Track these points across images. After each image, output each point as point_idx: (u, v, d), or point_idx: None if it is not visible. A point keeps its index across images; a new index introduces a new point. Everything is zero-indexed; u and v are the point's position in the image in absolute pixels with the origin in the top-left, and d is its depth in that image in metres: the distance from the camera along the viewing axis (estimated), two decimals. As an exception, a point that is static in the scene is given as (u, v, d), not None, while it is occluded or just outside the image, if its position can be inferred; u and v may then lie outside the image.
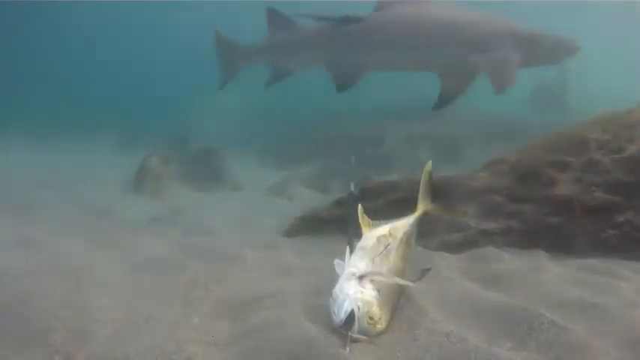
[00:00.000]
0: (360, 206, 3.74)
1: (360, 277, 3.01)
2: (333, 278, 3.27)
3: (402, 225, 3.68)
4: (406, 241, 3.53)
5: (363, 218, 3.74)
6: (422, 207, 4.01)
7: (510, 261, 4.71)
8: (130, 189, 10.62)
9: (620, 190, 5.17)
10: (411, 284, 3.28)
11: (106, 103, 26.78)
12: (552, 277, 4.10)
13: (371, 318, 2.81)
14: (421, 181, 4.09)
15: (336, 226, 6.16)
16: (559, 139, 6.07)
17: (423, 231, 5.58)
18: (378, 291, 2.97)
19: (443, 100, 11.57)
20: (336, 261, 3.33)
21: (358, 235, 3.71)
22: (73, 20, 35.35)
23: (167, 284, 4.11)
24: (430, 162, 4.15)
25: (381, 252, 3.26)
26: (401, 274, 3.28)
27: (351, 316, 2.74)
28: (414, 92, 17.86)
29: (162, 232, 6.77)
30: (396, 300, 3.17)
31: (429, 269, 3.86)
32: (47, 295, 3.52)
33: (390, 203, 5.94)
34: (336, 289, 2.97)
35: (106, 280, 4.12)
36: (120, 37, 37.81)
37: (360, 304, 2.81)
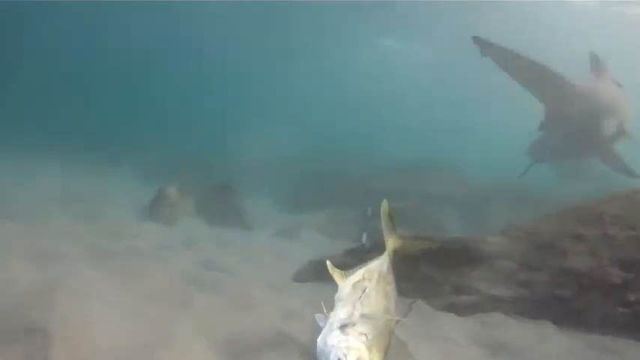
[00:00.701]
0: (328, 262, 3.68)
1: (343, 326, 3.00)
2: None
3: (376, 266, 3.61)
4: (384, 279, 3.48)
5: (334, 272, 3.68)
6: (391, 244, 3.93)
7: (517, 329, 4.68)
8: (145, 216, 10.72)
9: (633, 268, 5.13)
10: (397, 318, 3.25)
11: (132, 131, 27.29)
12: (558, 350, 4.06)
13: None
14: (383, 220, 4.03)
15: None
16: (575, 211, 6.07)
17: (432, 292, 5.59)
18: (365, 335, 2.95)
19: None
20: (317, 315, 3.32)
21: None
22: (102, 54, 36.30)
23: (172, 316, 4.13)
24: (385, 200, 4.09)
25: (360, 296, 3.24)
26: (385, 311, 3.25)
27: None
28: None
29: (172, 262, 6.81)
30: (387, 338, 3.14)
31: (415, 301, 3.80)
32: (51, 314, 3.55)
33: (402, 259, 5.94)
34: (320, 343, 2.95)
35: (112, 305, 4.13)
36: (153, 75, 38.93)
37: (346, 352, 2.80)
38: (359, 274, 3.48)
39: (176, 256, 7.23)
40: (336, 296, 3.38)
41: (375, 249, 5.92)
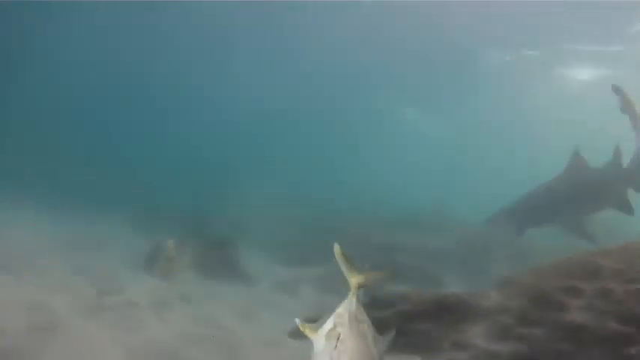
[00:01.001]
0: (297, 319, 3.60)
1: None
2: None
3: (344, 308, 3.53)
4: (356, 318, 3.39)
5: (304, 328, 3.60)
6: (354, 282, 3.88)
7: (516, 386, 4.59)
8: (140, 268, 10.64)
9: (632, 322, 5.08)
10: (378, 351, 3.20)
11: (125, 179, 27.28)
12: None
13: None
14: (339, 261, 3.97)
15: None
16: (572, 264, 6.07)
17: (430, 346, 5.52)
18: None
19: None
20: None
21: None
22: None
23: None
24: (338, 245, 4.05)
25: (336, 345, 3.16)
26: (364, 349, 3.15)
27: None
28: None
29: (167, 317, 6.74)
30: None
31: (394, 332, 3.71)
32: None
33: (399, 315, 5.90)
34: None
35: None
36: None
37: None
38: (329, 322, 3.41)
39: (172, 311, 7.16)
40: (313, 352, 3.31)
41: (373, 305, 5.90)
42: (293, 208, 19.19)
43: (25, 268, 8.32)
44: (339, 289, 10.58)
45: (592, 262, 6.02)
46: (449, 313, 5.81)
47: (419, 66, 23.47)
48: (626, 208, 10.60)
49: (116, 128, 39.52)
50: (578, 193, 10.92)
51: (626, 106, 10.32)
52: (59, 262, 9.46)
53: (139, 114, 38.71)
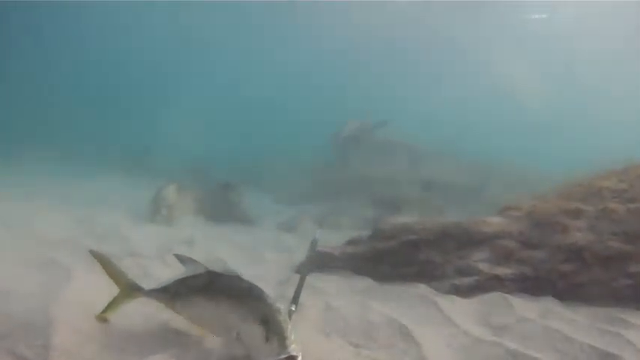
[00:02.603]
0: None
1: None
2: (347, 318, 3.35)
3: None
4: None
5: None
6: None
7: (520, 307, 4.66)
8: (142, 217, 10.68)
9: (634, 240, 5.12)
10: None
11: (121, 129, 27.10)
12: (561, 324, 4.05)
13: None
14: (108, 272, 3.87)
15: (347, 263, 6.17)
16: (573, 186, 6.08)
17: (434, 274, 5.58)
18: None
19: None
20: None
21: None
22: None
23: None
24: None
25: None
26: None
27: None
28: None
29: (170, 261, 6.77)
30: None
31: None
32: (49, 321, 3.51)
33: (403, 244, 5.94)
34: None
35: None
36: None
37: None
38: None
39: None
40: None
41: (376, 236, 5.94)
42: (292, 152, 19.30)
43: (29, 223, 8.33)
44: (341, 225, 10.74)
45: (593, 184, 6.03)
46: (452, 240, 5.86)
47: None
48: None
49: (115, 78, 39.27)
50: None
51: None
52: (61, 217, 9.47)
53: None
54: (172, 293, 3.58)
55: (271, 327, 2.86)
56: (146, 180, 14.89)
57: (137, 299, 3.82)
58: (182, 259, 3.60)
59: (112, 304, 3.79)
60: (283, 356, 2.72)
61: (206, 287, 3.28)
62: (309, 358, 3.11)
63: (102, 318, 3.75)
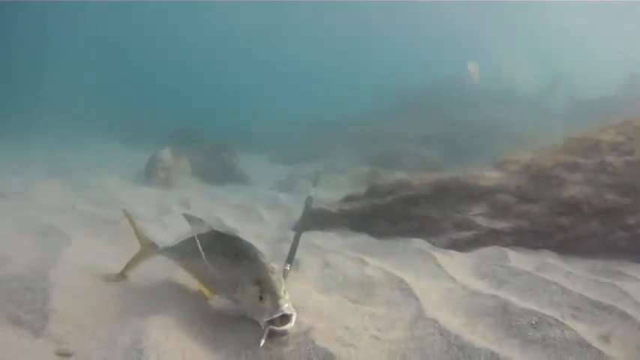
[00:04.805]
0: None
1: None
2: (345, 275, 3.38)
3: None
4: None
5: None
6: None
7: (518, 260, 4.69)
8: (139, 180, 10.67)
9: (631, 192, 5.13)
10: None
11: (118, 94, 26.85)
12: (559, 276, 4.08)
13: None
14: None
15: (344, 220, 6.18)
16: (572, 141, 6.05)
17: (432, 229, 5.60)
18: None
19: None
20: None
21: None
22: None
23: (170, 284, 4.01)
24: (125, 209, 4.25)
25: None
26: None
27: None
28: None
29: (168, 221, 6.79)
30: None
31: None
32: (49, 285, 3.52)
33: (400, 200, 5.93)
34: None
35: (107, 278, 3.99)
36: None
37: None
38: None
39: (173, 218, 7.17)
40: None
41: (373, 193, 5.93)
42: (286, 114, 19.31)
43: (26, 190, 8.32)
44: (335, 183, 10.75)
45: (590, 138, 5.99)
46: (450, 194, 5.85)
47: None
48: None
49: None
50: None
51: None
52: (59, 183, 9.45)
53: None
54: (181, 252, 3.70)
55: (265, 287, 2.88)
56: (143, 145, 14.88)
57: (153, 258, 4.02)
58: (190, 218, 3.63)
59: (132, 262, 4.02)
60: (277, 315, 2.76)
61: (208, 247, 3.30)
62: (308, 315, 3.13)
63: (122, 276, 3.97)
